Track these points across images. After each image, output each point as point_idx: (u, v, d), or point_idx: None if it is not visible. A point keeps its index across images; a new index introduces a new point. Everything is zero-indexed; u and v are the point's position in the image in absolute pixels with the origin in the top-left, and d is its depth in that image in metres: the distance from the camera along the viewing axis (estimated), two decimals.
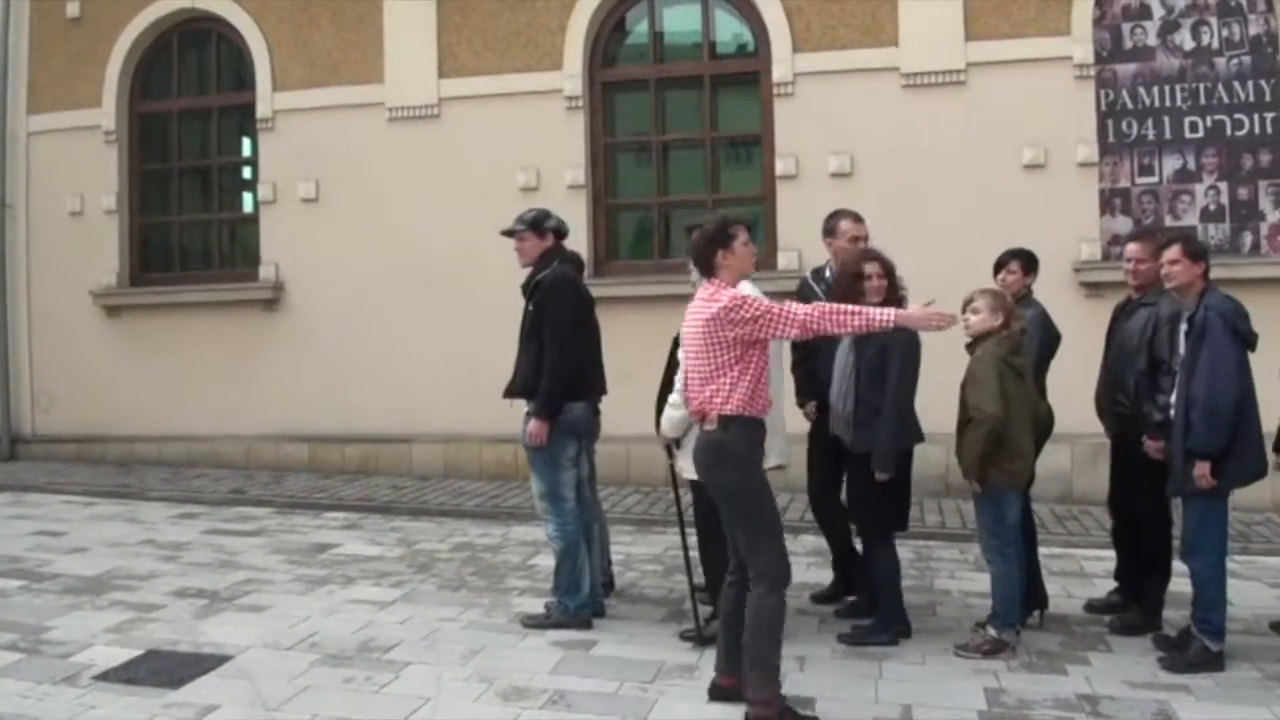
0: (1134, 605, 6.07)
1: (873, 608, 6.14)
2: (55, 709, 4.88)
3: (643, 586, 7.07)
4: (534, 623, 6.13)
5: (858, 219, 6.67)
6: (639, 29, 10.95)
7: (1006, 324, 5.69)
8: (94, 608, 6.50)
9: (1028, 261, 6.48)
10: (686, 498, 6.07)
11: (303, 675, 5.32)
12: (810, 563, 7.49)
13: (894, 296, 5.84)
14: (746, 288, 5.77)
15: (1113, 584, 6.49)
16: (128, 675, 5.30)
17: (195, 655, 5.62)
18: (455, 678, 5.29)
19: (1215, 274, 5.64)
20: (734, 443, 4.74)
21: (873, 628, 5.91)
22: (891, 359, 5.76)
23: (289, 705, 4.94)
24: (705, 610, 5.95)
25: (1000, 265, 6.51)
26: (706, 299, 4.74)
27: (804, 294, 6.56)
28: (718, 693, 4.99)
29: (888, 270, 5.88)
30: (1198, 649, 5.33)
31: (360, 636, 5.93)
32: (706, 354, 4.71)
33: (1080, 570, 7.41)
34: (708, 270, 4.84)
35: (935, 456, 8.32)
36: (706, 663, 5.42)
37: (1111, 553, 6.73)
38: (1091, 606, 6.42)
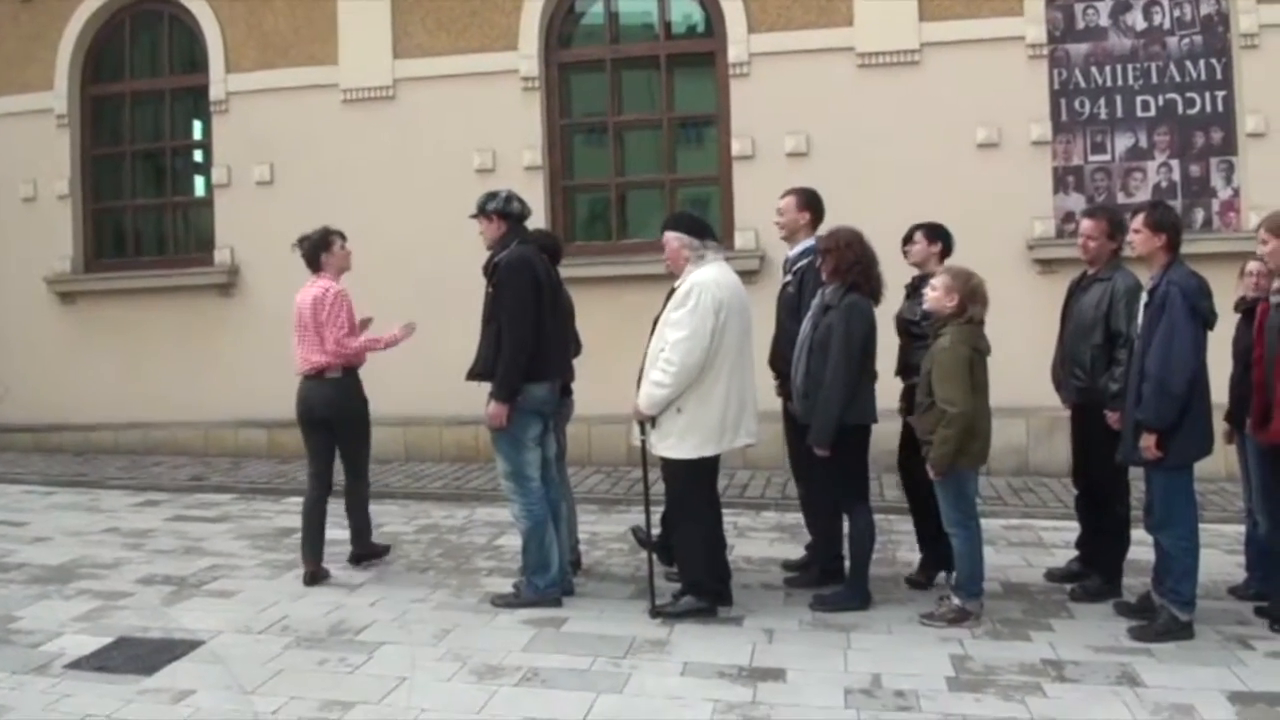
0: (1094, 573, 6.19)
1: (824, 578, 6.31)
2: (29, 698, 4.86)
3: (610, 564, 7.12)
4: (504, 602, 6.16)
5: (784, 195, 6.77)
6: (594, 10, 10.94)
7: (963, 306, 5.65)
8: (61, 597, 6.46)
9: (932, 232, 6.54)
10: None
11: (276, 659, 5.33)
12: (773, 538, 7.59)
13: None
14: (712, 270, 5.81)
15: (1073, 553, 6.61)
16: (100, 663, 5.28)
17: (167, 641, 5.61)
18: (429, 657, 5.32)
19: None
20: (354, 383, 6.85)
21: (843, 594, 6.00)
22: (834, 334, 5.82)
23: (265, 687, 4.95)
24: (675, 585, 6.05)
25: (906, 239, 6.60)
26: (317, 288, 6.81)
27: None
28: (311, 578, 6.61)
29: None
30: (1167, 618, 5.41)
31: (331, 619, 5.94)
32: (317, 324, 6.69)
33: (1039, 540, 7.55)
34: (315, 267, 6.90)
35: (896, 431, 8.43)
36: (678, 637, 5.51)
37: (1069, 523, 6.88)
38: (1052, 575, 6.54)
